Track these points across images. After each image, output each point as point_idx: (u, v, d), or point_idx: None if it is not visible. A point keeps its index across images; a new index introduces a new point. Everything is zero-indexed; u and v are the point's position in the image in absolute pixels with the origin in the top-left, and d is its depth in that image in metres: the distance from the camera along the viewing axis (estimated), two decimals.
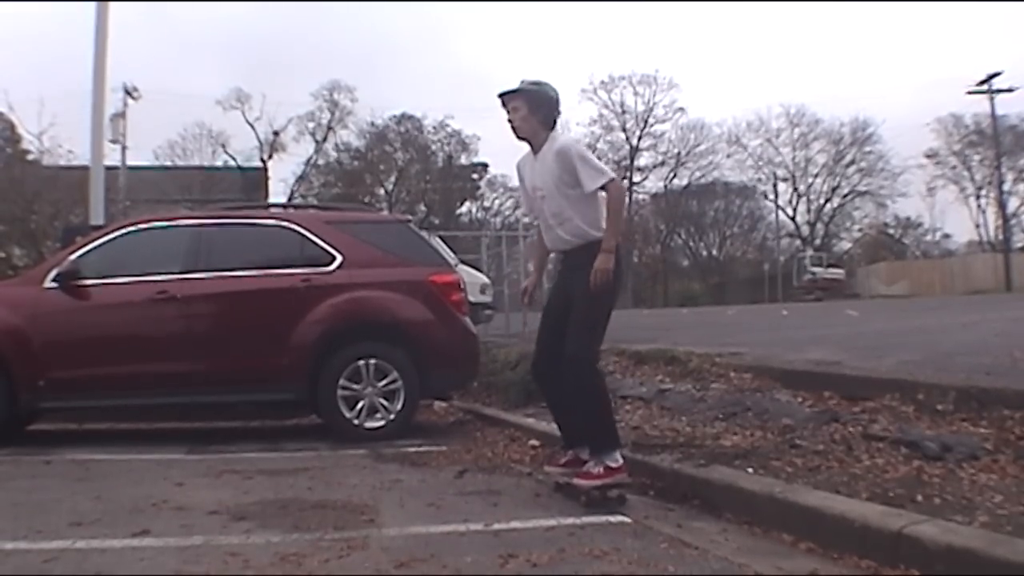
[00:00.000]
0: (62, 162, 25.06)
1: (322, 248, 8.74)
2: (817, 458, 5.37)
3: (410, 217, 9.09)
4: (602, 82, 68.03)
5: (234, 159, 62.02)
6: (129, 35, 61.68)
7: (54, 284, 8.43)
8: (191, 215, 9.89)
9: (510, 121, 5.87)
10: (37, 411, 8.68)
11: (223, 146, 61.95)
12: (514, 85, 5.90)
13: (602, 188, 5.59)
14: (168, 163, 59.06)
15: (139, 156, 50.30)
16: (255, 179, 58.36)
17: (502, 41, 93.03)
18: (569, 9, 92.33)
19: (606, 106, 68.22)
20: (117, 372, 8.29)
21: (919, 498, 4.36)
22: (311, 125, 63.59)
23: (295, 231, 8.86)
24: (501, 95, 5.89)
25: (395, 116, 66.01)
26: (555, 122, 5.85)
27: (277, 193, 60.10)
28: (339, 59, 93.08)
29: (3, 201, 21.61)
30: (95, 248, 8.75)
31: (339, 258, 8.70)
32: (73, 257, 8.62)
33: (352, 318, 8.59)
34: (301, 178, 64.44)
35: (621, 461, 5.42)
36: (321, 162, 65.81)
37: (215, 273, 8.59)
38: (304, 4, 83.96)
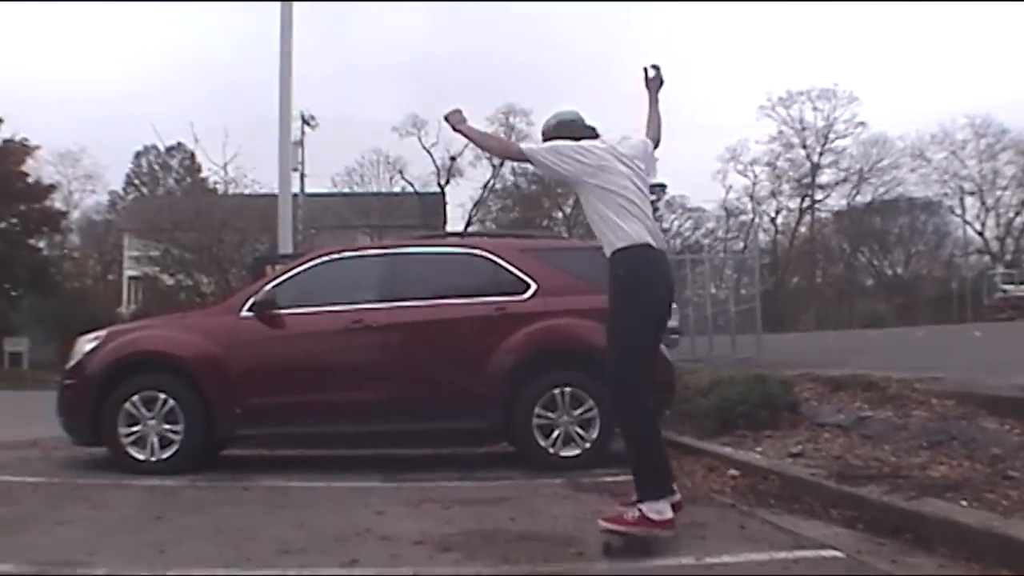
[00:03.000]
0: (246, 191, 25.95)
1: (516, 276, 8.71)
2: None
3: (600, 244, 8.93)
4: (780, 98, 67.22)
5: (411, 184, 63.57)
6: (306, 63, 63.51)
7: (250, 313, 8.60)
8: (384, 244, 9.96)
9: None
10: (232, 438, 8.83)
11: (400, 172, 63.59)
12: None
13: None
14: (346, 190, 60.80)
15: (316, 184, 52.00)
16: (433, 204, 59.54)
17: (679, 59, 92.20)
18: (746, 24, 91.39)
19: (785, 123, 67.53)
20: (312, 400, 8.38)
21: None
22: None
23: (488, 259, 8.87)
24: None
25: None
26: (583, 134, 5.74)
27: (455, 218, 61.31)
28: (514, 82, 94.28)
29: (192, 231, 22.51)
30: (290, 278, 8.90)
31: (533, 286, 8.66)
32: (269, 287, 8.79)
33: (547, 346, 8.52)
34: (479, 203, 65.56)
35: (668, 515, 5.03)
36: (499, 186, 66.69)
37: (409, 302, 8.65)
38: (478, 28, 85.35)
